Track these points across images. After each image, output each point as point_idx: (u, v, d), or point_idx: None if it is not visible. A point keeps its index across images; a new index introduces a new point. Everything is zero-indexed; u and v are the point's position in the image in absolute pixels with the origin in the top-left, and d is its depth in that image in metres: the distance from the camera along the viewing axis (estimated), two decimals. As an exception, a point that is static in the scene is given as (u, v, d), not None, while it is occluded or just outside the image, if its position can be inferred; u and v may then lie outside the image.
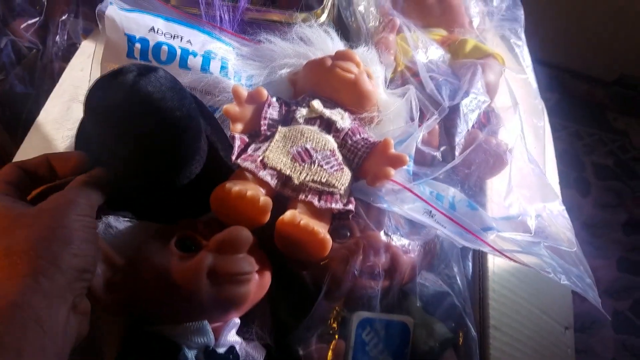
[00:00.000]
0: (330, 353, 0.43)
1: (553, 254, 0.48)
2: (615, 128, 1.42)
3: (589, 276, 0.48)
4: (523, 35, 0.63)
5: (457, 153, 0.49)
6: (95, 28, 0.94)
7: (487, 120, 0.52)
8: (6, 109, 0.93)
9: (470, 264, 0.56)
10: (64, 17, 1.01)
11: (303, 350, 0.44)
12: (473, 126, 0.51)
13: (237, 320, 0.42)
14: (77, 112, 0.69)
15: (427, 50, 0.58)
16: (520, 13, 0.64)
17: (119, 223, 0.43)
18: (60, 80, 0.77)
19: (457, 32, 0.66)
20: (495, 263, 0.57)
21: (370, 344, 0.46)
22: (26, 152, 0.70)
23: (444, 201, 0.51)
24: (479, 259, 0.57)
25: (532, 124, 0.58)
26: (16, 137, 0.93)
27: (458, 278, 0.52)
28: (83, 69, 0.76)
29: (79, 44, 0.99)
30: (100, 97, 0.41)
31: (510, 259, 0.45)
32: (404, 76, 0.55)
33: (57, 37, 0.99)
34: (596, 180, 1.28)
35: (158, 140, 0.42)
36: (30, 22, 0.99)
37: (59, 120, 0.70)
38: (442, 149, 0.53)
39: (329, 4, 0.63)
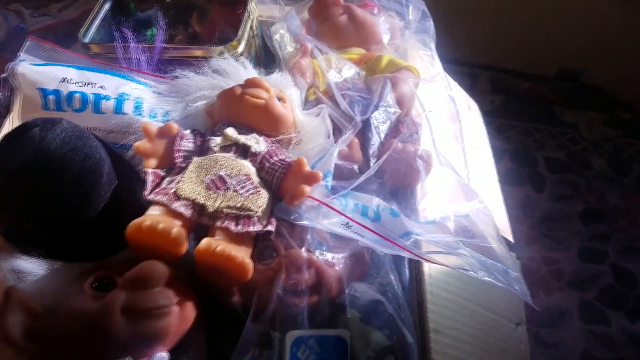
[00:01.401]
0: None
1: (476, 252, 0.49)
2: (564, 121, 1.46)
3: (515, 270, 0.49)
4: (432, 45, 0.65)
5: (372, 164, 0.51)
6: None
7: (402, 129, 0.54)
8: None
9: (407, 270, 0.57)
10: (4, 75, 1.01)
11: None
12: (387, 137, 0.53)
13: (164, 355, 0.42)
14: None
15: (341, 70, 0.60)
16: (430, 24, 0.67)
17: (39, 268, 0.43)
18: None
19: (374, 50, 0.68)
20: (431, 266, 0.58)
21: (306, 361, 0.46)
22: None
23: (369, 211, 0.52)
24: (415, 264, 0.58)
25: (449, 128, 0.60)
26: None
27: (394, 284, 0.53)
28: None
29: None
30: (9, 157, 0.42)
31: (429, 261, 0.46)
32: (320, 98, 0.57)
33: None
34: (550, 174, 1.31)
35: (72, 191, 0.43)
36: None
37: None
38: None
39: (246, 35, 0.65)
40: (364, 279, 0.52)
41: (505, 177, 1.21)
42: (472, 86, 1.36)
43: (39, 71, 0.52)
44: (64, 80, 0.52)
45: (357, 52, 0.67)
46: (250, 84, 0.52)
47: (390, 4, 0.73)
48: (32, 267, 0.43)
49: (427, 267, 0.58)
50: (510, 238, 0.74)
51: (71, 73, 0.53)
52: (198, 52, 0.62)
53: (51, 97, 0.51)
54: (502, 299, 0.65)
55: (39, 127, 0.43)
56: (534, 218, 1.21)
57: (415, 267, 0.58)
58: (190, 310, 0.43)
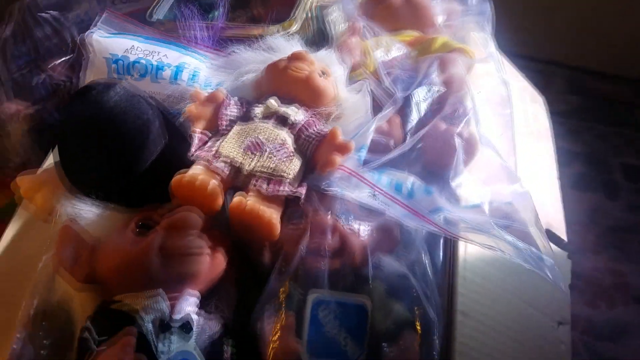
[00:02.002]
0: (278, 326, 0.45)
1: (510, 235, 0.48)
2: (646, 127, 1.35)
3: (549, 256, 0.48)
4: (488, 28, 0.64)
5: (408, 139, 0.51)
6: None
7: (436, 109, 0.54)
8: (42, 136, 1.04)
9: (441, 253, 0.57)
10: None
11: (260, 326, 0.47)
12: (427, 115, 0.53)
13: (194, 293, 0.45)
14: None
15: (390, 50, 0.61)
16: (487, 7, 0.66)
17: (94, 212, 0.49)
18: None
19: (429, 33, 0.68)
20: (467, 252, 0.57)
21: (325, 323, 0.48)
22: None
23: (403, 188, 0.53)
24: (450, 247, 0.58)
25: (499, 112, 0.59)
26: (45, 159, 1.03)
27: (425, 263, 0.53)
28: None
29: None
30: (71, 113, 0.49)
31: (455, 236, 0.46)
32: (366, 76, 0.58)
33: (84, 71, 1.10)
34: (626, 182, 1.22)
35: (126, 145, 0.49)
36: (63, 60, 1.11)
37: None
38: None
39: (301, 14, 0.68)
40: (392, 254, 0.53)
41: (576, 182, 1.15)
42: (547, 85, 1.30)
43: (109, 40, 0.58)
44: (130, 49, 0.57)
45: (412, 34, 0.67)
46: (294, 57, 0.54)
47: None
48: (89, 209, 0.49)
49: (462, 251, 0.57)
50: (564, 237, 0.71)
51: (137, 43, 0.58)
52: (255, 31, 0.66)
53: (115, 65, 0.56)
54: (545, 296, 0.63)
55: (97, 88, 0.49)
56: (602, 227, 1.13)
57: (451, 250, 0.58)
58: (220, 259, 0.46)
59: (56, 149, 0.52)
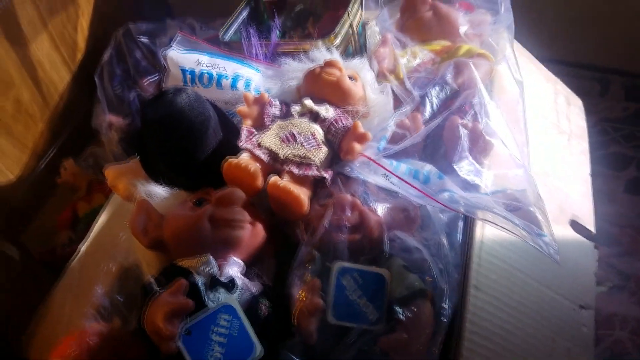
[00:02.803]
0: (305, 288, 0.54)
1: (507, 212, 0.54)
2: None
3: (547, 233, 0.53)
4: (507, 35, 0.70)
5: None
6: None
7: (469, 108, 0.61)
8: (131, 144, 1.22)
9: (459, 235, 0.63)
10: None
11: (290, 289, 0.56)
12: (440, 109, 0.60)
13: (238, 260, 0.55)
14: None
15: (417, 57, 0.69)
16: (509, 15, 0.72)
17: (163, 192, 0.61)
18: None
19: (458, 42, 0.75)
20: (484, 234, 0.63)
21: (348, 289, 0.56)
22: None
23: (420, 175, 0.60)
24: (468, 230, 0.63)
25: (511, 108, 0.64)
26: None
27: (443, 242, 0.59)
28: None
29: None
30: (150, 112, 0.61)
31: (455, 210, 0.53)
32: (389, 81, 0.67)
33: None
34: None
35: (190, 136, 0.61)
36: (151, 79, 1.30)
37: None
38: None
39: (343, 31, 0.78)
40: (411, 232, 0.60)
41: (631, 186, 1.14)
42: (604, 93, 1.29)
43: (182, 55, 0.72)
44: (198, 63, 0.70)
45: (441, 43, 0.75)
46: (327, 64, 0.64)
47: (483, 3, 0.79)
48: (159, 191, 0.61)
49: (479, 234, 0.63)
50: (592, 229, 0.74)
51: (204, 58, 0.71)
52: (304, 46, 0.77)
53: (189, 75, 0.70)
54: (567, 281, 0.67)
55: (171, 92, 0.62)
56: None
57: (468, 233, 0.64)
58: (259, 230, 0.56)
59: (138, 145, 0.66)
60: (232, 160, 0.56)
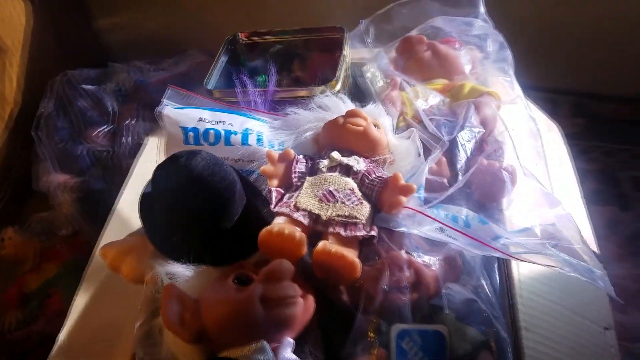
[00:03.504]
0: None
1: (561, 252, 0.53)
2: (647, 141, 1.43)
3: (598, 268, 0.53)
4: (511, 72, 0.72)
5: (460, 178, 0.58)
6: (155, 127, 1.12)
7: (479, 148, 0.60)
8: (87, 204, 1.10)
9: (497, 275, 0.62)
10: (128, 122, 1.20)
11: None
12: (473, 154, 0.60)
13: (291, 341, 0.50)
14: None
15: (428, 99, 0.68)
16: (508, 53, 0.74)
17: (187, 271, 0.54)
18: (131, 172, 0.92)
19: (456, 79, 0.76)
20: (520, 272, 0.63)
21: (410, 353, 0.52)
22: (109, 235, 0.83)
23: (459, 220, 0.58)
24: (504, 269, 0.63)
25: (531, 145, 0.65)
26: (97, 227, 1.09)
27: (485, 287, 0.58)
28: (151, 161, 0.91)
29: (143, 142, 1.17)
30: (163, 180, 0.54)
31: (518, 259, 0.51)
32: (409, 123, 0.65)
33: (124, 139, 1.17)
34: (635, 193, 1.29)
35: (213, 206, 0.54)
36: (101, 130, 1.19)
37: (134, 205, 0.83)
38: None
39: (342, 75, 0.75)
40: (457, 282, 0.58)
41: (592, 197, 1.21)
42: (554, 111, 1.38)
43: (180, 113, 0.65)
44: (200, 120, 0.64)
45: (441, 82, 0.75)
46: (350, 114, 0.61)
47: (470, 38, 0.81)
48: (182, 270, 0.54)
49: (516, 273, 0.63)
50: (597, 251, 0.77)
51: (205, 114, 0.65)
52: (303, 93, 0.74)
53: (191, 133, 0.63)
54: (589, 303, 0.67)
55: (184, 157, 0.55)
56: (622, 237, 1.19)
57: (505, 272, 0.63)
58: (310, 303, 0.51)
59: (146, 217, 0.58)
60: (274, 228, 0.51)
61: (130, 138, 1.19)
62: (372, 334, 0.51)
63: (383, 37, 0.88)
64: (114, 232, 0.83)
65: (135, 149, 1.17)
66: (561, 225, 0.59)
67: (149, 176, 0.88)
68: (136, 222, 0.81)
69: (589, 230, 0.78)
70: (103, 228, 0.84)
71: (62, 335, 0.71)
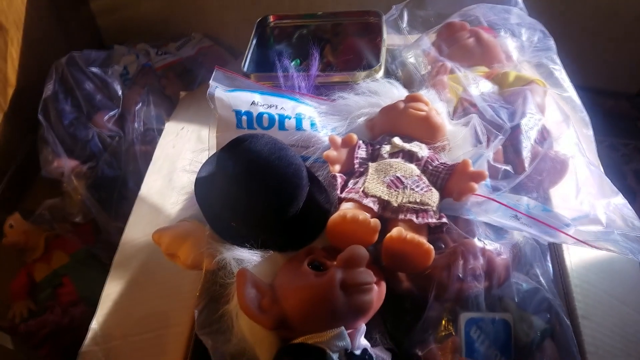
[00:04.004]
0: (450, 348, 0.49)
1: (628, 240, 0.54)
2: (648, 135, 1.47)
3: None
4: (558, 60, 0.72)
5: (526, 165, 0.57)
6: (168, 112, 1.08)
7: (547, 135, 0.60)
8: (100, 191, 1.06)
9: (549, 264, 0.62)
10: (137, 107, 1.16)
11: (422, 351, 0.51)
12: (536, 141, 0.59)
13: (364, 327, 0.49)
14: (178, 182, 0.80)
15: (478, 85, 0.67)
16: (552, 42, 0.74)
17: (255, 257, 0.52)
18: (154, 158, 0.89)
19: (496, 67, 0.75)
20: (572, 261, 0.63)
21: (478, 341, 0.52)
22: (136, 222, 0.80)
23: (521, 208, 0.58)
24: (557, 259, 0.63)
25: (583, 134, 0.66)
26: (111, 214, 1.05)
27: (541, 277, 0.58)
28: (175, 146, 0.88)
29: (155, 128, 1.13)
30: (229, 164, 0.52)
31: (593, 246, 0.51)
32: (464, 107, 0.64)
33: (135, 124, 1.13)
34: (638, 186, 1.33)
35: (281, 191, 0.52)
36: (110, 114, 1.14)
37: (163, 191, 0.80)
38: (512, 164, 0.61)
39: (383, 62, 0.74)
40: (517, 271, 0.58)
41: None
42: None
43: (232, 96, 0.62)
44: (253, 103, 0.62)
45: (482, 69, 0.74)
46: (412, 98, 0.60)
47: (509, 26, 0.80)
48: (249, 255, 0.52)
49: (568, 262, 0.63)
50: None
51: (257, 97, 0.63)
52: (344, 78, 0.72)
53: (244, 117, 0.61)
54: (636, 293, 0.69)
55: (247, 140, 0.53)
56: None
57: (558, 262, 0.63)
58: (383, 289, 0.50)
59: (207, 201, 0.55)
60: (347, 214, 0.49)
61: (140, 123, 1.15)
62: (446, 323, 0.51)
63: (417, 23, 0.86)
64: (141, 219, 0.80)
65: (144, 135, 1.13)
66: (617, 214, 0.59)
67: (173, 162, 0.86)
68: (167, 209, 0.79)
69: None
70: (129, 216, 0.81)
71: (95, 324, 0.68)
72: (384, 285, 0.50)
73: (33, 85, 1.15)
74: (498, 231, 0.57)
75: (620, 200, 0.59)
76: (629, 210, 0.58)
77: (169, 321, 0.62)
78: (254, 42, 0.82)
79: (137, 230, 0.79)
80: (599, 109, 1.48)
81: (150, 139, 1.12)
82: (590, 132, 0.65)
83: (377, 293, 0.49)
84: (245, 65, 0.76)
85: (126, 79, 1.21)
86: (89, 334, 0.67)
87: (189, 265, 0.56)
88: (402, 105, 0.60)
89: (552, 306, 0.55)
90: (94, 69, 1.16)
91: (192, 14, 1.47)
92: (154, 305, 0.66)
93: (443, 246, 0.55)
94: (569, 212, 0.61)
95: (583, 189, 0.56)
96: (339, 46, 0.85)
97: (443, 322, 0.51)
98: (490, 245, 0.54)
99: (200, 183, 0.56)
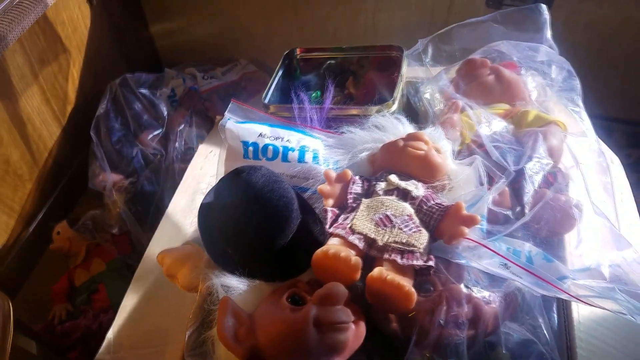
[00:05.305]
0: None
1: (631, 298, 0.50)
2: None
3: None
4: (580, 103, 0.69)
5: (526, 211, 0.55)
6: (205, 134, 1.13)
7: (554, 180, 0.58)
8: (138, 205, 1.13)
9: (555, 315, 0.59)
10: (180, 127, 1.22)
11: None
12: (540, 186, 0.57)
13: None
14: (199, 203, 0.84)
15: (490, 124, 0.66)
16: (577, 83, 0.71)
17: (242, 285, 0.54)
18: (184, 177, 0.93)
19: (518, 105, 0.73)
20: (580, 313, 0.59)
21: (464, 390, 0.50)
22: (159, 238, 0.84)
23: (521, 255, 0.56)
24: (563, 309, 0.60)
25: (600, 180, 0.62)
26: (146, 227, 1.11)
27: (543, 327, 0.55)
28: (202, 168, 0.92)
29: (195, 148, 1.19)
30: (224, 194, 0.55)
31: (586, 303, 0.48)
32: (470, 148, 0.63)
33: (176, 143, 1.20)
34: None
35: (271, 223, 0.54)
36: (154, 133, 1.21)
37: (186, 210, 0.84)
38: (513, 209, 0.59)
39: (399, 95, 0.74)
40: (514, 320, 0.56)
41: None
42: (607, 140, 1.33)
43: (242, 127, 0.65)
44: (260, 135, 0.64)
45: (503, 107, 0.72)
46: (411, 137, 0.60)
47: (534, 64, 0.78)
48: (236, 283, 0.54)
49: (576, 314, 0.60)
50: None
51: (265, 129, 0.65)
52: (357, 111, 0.73)
53: (250, 148, 0.63)
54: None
55: (245, 172, 0.56)
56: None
57: (564, 313, 0.60)
58: (362, 329, 0.50)
59: (204, 227, 0.58)
60: (330, 250, 0.50)
61: (181, 143, 1.22)
62: (422, 370, 0.50)
63: (441, 58, 0.86)
64: (164, 235, 0.84)
65: (184, 154, 1.19)
66: (629, 269, 0.56)
67: (198, 183, 0.90)
68: (186, 228, 0.83)
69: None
70: (155, 231, 0.85)
71: (110, 334, 0.73)
72: (362, 324, 0.50)
73: (90, 103, 1.26)
74: (494, 278, 0.55)
75: (632, 254, 0.55)
76: (638, 264, 0.55)
77: (169, 338, 0.65)
78: (280, 73, 0.85)
79: (159, 246, 0.83)
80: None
81: (190, 158, 1.16)
82: (608, 179, 0.61)
83: (354, 332, 0.49)
84: (267, 96, 0.79)
85: (173, 101, 1.29)
86: (105, 342, 0.71)
87: (185, 287, 0.59)
88: (401, 143, 0.60)
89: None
90: (144, 90, 1.24)
91: (242, 39, 1.55)
92: (161, 321, 0.69)
93: (432, 289, 0.54)
94: (577, 261, 0.59)
95: (585, 240, 0.53)
96: (361, 79, 0.86)
97: (420, 368, 0.50)
98: (479, 293, 0.52)
99: (201, 209, 0.59)
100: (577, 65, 0.75)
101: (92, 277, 1.09)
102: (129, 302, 0.77)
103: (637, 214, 0.81)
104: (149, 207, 1.12)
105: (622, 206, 0.78)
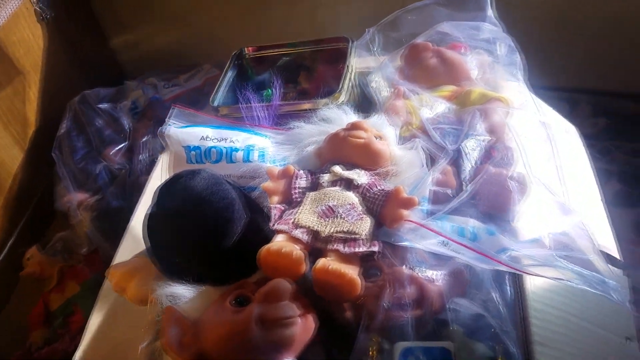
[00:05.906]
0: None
1: (572, 264, 0.51)
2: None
3: (614, 279, 0.51)
4: (520, 76, 0.69)
5: (464, 188, 0.56)
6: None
7: (487, 156, 0.58)
8: (105, 222, 1.12)
9: (508, 287, 0.60)
10: (144, 139, 1.22)
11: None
12: (478, 162, 0.58)
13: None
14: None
15: (433, 107, 0.66)
16: (517, 57, 0.72)
17: (188, 292, 0.53)
18: (146, 190, 0.93)
19: (464, 85, 0.74)
20: (533, 284, 0.60)
21: (414, 370, 0.51)
22: (123, 253, 0.84)
23: (465, 232, 0.56)
24: (517, 281, 0.60)
25: (542, 151, 0.63)
26: (115, 244, 1.10)
27: (495, 300, 0.56)
28: (162, 179, 0.91)
29: (157, 160, 1.18)
30: (165, 201, 0.55)
31: (525, 272, 0.49)
32: (415, 134, 0.64)
33: (141, 155, 1.19)
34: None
35: (212, 225, 0.54)
36: (118, 147, 1.21)
37: (147, 223, 0.84)
38: (458, 187, 0.59)
39: (347, 86, 0.74)
40: (464, 296, 0.56)
41: (615, 199, 1.17)
42: (572, 111, 1.34)
43: (184, 132, 0.65)
44: (203, 138, 0.64)
45: (449, 89, 0.73)
46: (351, 126, 0.60)
47: (478, 42, 0.79)
48: (182, 291, 0.54)
49: (529, 284, 0.60)
50: (617, 255, 0.73)
51: (208, 132, 0.65)
52: (307, 105, 0.73)
53: (193, 152, 0.63)
54: (610, 315, 0.64)
55: (184, 177, 0.56)
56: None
57: (517, 284, 0.60)
58: (311, 322, 0.50)
59: (148, 238, 0.58)
60: (272, 247, 0.50)
61: (145, 155, 1.21)
62: (373, 353, 0.50)
63: (390, 45, 0.86)
64: (128, 250, 0.84)
65: (150, 166, 1.18)
66: (575, 235, 0.56)
67: (160, 195, 0.90)
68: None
69: (610, 235, 0.75)
70: (118, 246, 0.85)
71: (78, 354, 0.72)
72: (311, 317, 0.50)
73: (51, 124, 1.24)
74: (441, 257, 0.56)
75: (574, 219, 0.56)
76: (582, 230, 0.56)
77: (135, 352, 0.65)
78: (229, 74, 0.85)
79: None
80: (617, 113, 1.40)
81: (156, 169, 1.17)
82: (551, 150, 0.62)
83: (302, 326, 0.49)
84: (216, 99, 0.79)
85: (135, 113, 1.28)
86: (72, 364, 0.71)
87: (135, 300, 0.58)
88: (342, 133, 0.60)
89: (497, 333, 0.53)
90: (103, 105, 1.23)
91: (203, 44, 1.54)
92: (126, 338, 0.69)
93: (379, 274, 0.54)
94: (528, 234, 0.59)
95: (529, 212, 0.54)
96: (313, 73, 0.87)
97: (370, 352, 0.50)
98: (423, 273, 0.53)
99: (144, 220, 0.58)
100: (535, 39, 0.76)
101: (67, 300, 1.08)
102: (94, 321, 0.76)
103: (595, 181, 0.82)
104: (117, 223, 1.11)
105: (578, 175, 0.79)
